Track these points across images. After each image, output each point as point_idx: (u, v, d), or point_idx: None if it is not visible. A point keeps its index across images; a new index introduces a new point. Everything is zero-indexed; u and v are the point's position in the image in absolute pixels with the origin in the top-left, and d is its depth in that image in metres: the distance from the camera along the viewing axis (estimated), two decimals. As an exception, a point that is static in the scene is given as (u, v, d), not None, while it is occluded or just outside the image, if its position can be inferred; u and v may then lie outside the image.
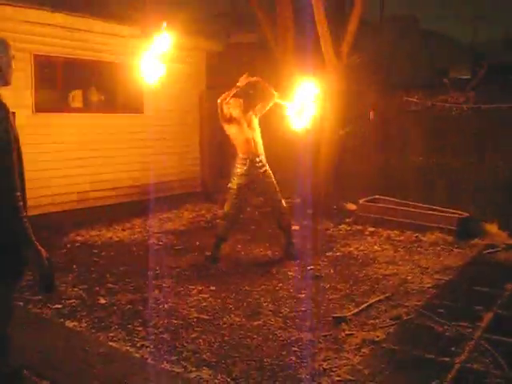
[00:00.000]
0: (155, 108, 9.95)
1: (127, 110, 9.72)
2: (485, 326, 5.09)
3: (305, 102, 6.65)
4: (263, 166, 6.95)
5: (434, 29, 18.54)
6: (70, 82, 8.94)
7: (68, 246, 7.69)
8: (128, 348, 4.59)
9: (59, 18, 8.34)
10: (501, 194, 8.72)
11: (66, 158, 8.65)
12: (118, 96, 9.61)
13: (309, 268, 6.82)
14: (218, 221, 7.04)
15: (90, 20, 8.79)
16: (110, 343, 4.69)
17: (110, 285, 6.10)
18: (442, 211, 8.69)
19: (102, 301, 5.64)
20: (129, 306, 5.50)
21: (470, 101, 9.21)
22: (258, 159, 6.90)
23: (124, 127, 9.57)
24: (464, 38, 18.69)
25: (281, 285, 6.20)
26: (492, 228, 8.60)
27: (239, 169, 6.88)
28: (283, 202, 7.07)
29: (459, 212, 8.59)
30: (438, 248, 7.83)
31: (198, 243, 7.88)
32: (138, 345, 4.64)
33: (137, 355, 4.48)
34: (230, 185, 6.95)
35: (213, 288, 6.04)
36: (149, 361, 4.39)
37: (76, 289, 5.96)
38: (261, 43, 11.89)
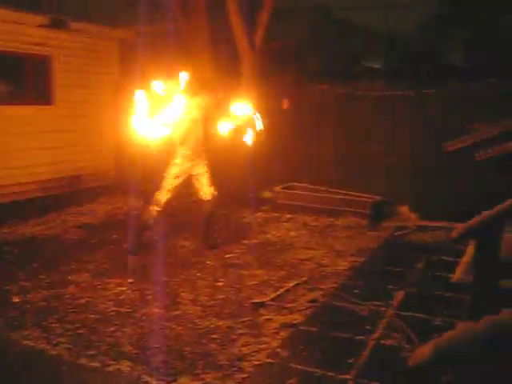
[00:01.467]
0: (67, 99, 9.68)
1: (36, 101, 9.39)
2: (397, 303, 5.30)
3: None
4: (196, 158, 6.98)
5: (346, 17, 18.80)
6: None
7: (-23, 244, 7.40)
8: (44, 346, 4.48)
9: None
10: (410, 178, 9.05)
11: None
12: (27, 87, 9.27)
13: (227, 256, 6.86)
14: (150, 207, 6.91)
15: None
16: (25, 342, 4.55)
17: (23, 283, 5.91)
18: (356, 196, 8.94)
19: (15, 299, 5.46)
20: (43, 303, 5.35)
21: (380, 88, 9.49)
22: (192, 152, 6.94)
23: (34, 119, 9.25)
24: (378, 28, 19.09)
25: (199, 274, 6.21)
26: (403, 210, 8.92)
27: (177, 159, 6.87)
28: (211, 192, 7.06)
29: (372, 196, 8.86)
30: (352, 231, 8.06)
31: (114, 236, 7.75)
32: (54, 342, 4.54)
33: (53, 352, 4.37)
34: (166, 174, 6.91)
35: (131, 280, 5.97)
36: (66, 357, 4.29)
37: (-13, 288, 5.74)
38: (176, 32, 11.75)
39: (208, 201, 7.10)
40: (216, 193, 7.11)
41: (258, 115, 6.92)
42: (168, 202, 6.97)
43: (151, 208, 6.93)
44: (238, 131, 6.90)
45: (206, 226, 7.27)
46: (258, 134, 6.93)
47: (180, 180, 6.93)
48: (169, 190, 6.87)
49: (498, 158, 8.25)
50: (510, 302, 2.30)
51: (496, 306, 2.22)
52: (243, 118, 6.87)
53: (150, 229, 7.12)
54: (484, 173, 8.34)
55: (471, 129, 8.45)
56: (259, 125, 6.91)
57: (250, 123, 6.88)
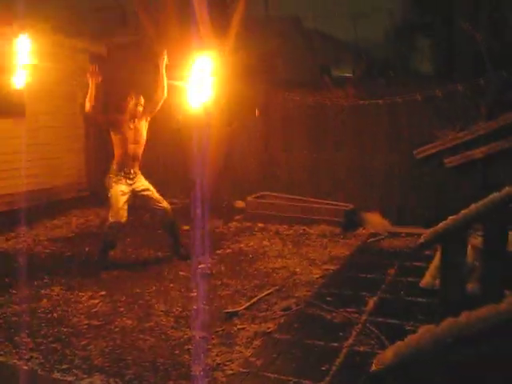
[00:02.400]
0: (38, 111, 9.62)
1: (7, 114, 9.31)
2: (370, 310, 5.37)
3: (201, 78, 6.30)
4: (136, 175, 6.88)
5: (317, 28, 19.03)
6: None
7: None
8: (15, 361, 4.44)
9: None
10: (381, 185, 9.17)
11: None
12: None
13: (200, 266, 6.86)
14: (104, 228, 6.84)
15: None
16: (-4, 357, 4.51)
17: (-6, 297, 5.85)
18: (328, 204, 9.02)
19: (-14, 314, 5.40)
20: (15, 318, 5.30)
21: (349, 97, 9.60)
22: (132, 170, 6.83)
23: (4, 132, 9.17)
24: (346, 37, 19.39)
25: (172, 285, 6.20)
26: (375, 217, 9.02)
27: (114, 178, 6.73)
28: (164, 202, 7.04)
29: (344, 204, 8.95)
30: (325, 240, 8.13)
31: (87, 249, 7.70)
32: (27, 357, 4.49)
33: (25, 367, 4.34)
34: (109, 194, 6.79)
35: (103, 293, 5.94)
36: (38, 372, 4.26)
37: (-43, 304, 5.67)
38: (144, 43, 11.74)
39: (165, 212, 7.03)
40: (167, 203, 7.04)
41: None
42: (122, 223, 6.82)
43: (107, 229, 6.80)
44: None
45: (172, 236, 7.24)
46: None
47: (127, 195, 6.78)
48: (120, 208, 6.70)
49: (467, 163, 8.40)
50: (476, 305, 2.36)
51: (462, 311, 2.28)
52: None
53: (115, 247, 7.06)
54: (453, 178, 8.49)
55: (440, 135, 8.60)
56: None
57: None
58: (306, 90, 9.94)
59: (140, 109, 6.83)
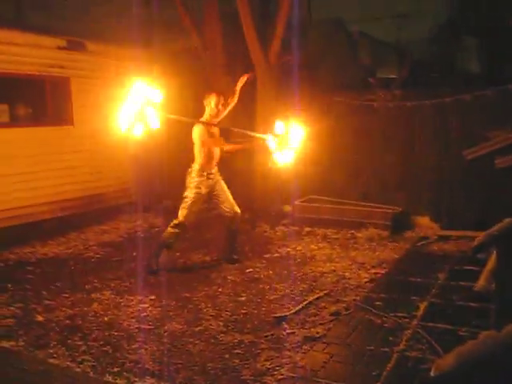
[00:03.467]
0: (86, 119, 9.79)
1: (57, 122, 9.51)
2: (420, 314, 5.26)
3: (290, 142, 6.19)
4: (216, 175, 6.97)
5: (360, 30, 18.89)
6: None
7: (1, 264, 7.47)
8: (68, 363, 4.51)
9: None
10: (429, 188, 9.01)
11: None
12: (48, 109, 9.39)
13: (247, 271, 6.86)
14: (169, 229, 6.90)
15: (12, 32, 8.58)
16: (50, 360, 4.59)
17: (46, 301, 5.96)
18: (376, 207, 8.91)
19: (40, 318, 5.50)
20: (67, 322, 5.39)
21: (395, 99, 9.48)
22: (213, 171, 6.93)
23: (54, 140, 9.36)
24: (389, 38, 19.19)
25: (220, 289, 6.22)
26: (424, 221, 8.87)
27: (196, 178, 6.80)
28: (235, 208, 7.05)
29: (392, 207, 8.82)
30: (374, 243, 8.02)
31: (135, 254, 7.79)
32: (79, 359, 4.57)
33: (78, 370, 4.40)
34: (186, 194, 6.86)
35: (153, 297, 5.99)
36: (91, 375, 4.32)
37: (12, 308, 5.78)
38: (191, 50, 11.82)
39: (230, 216, 7.08)
40: (238, 209, 7.07)
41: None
42: (192, 223, 6.99)
43: (172, 229, 6.90)
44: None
45: (228, 241, 7.27)
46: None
47: (202, 199, 6.91)
48: (192, 212, 6.84)
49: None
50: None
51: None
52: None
53: (172, 248, 7.13)
54: (504, 180, 8.27)
55: (490, 136, 8.39)
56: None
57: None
58: (351, 92, 9.85)
59: (221, 108, 6.98)
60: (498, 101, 8.47)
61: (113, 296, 6.09)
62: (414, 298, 5.71)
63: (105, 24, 12.84)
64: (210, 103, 6.88)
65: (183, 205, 6.85)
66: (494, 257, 4.72)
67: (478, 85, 8.82)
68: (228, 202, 7.01)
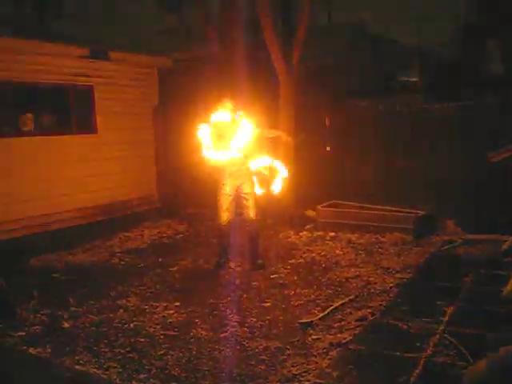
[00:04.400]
0: (109, 127, 9.87)
1: (81, 130, 9.60)
2: (447, 319, 5.20)
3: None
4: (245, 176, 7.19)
5: (380, 32, 18.77)
6: (20, 105, 8.78)
7: (28, 271, 7.55)
8: (95, 370, 4.54)
9: (3, 42, 8.19)
10: (453, 191, 8.91)
11: (22, 183, 8.48)
12: (72, 117, 9.48)
13: (272, 276, 6.86)
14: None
15: (36, 42, 8.69)
16: (77, 367, 4.62)
17: (73, 308, 6.01)
18: (400, 211, 8.84)
19: (66, 325, 5.55)
20: (93, 328, 5.43)
21: (418, 102, 9.43)
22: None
23: (79, 148, 9.45)
24: (410, 41, 19.03)
25: (245, 295, 6.22)
26: (448, 224, 8.79)
27: (222, 180, 7.11)
28: (253, 212, 7.13)
29: (416, 211, 8.75)
30: (398, 247, 7.97)
31: (160, 260, 7.83)
32: (105, 366, 4.60)
33: (104, 376, 4.43)
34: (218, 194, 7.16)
35: (177, 304, 6.01)
36: (117, 381, 4.34)
37: (38, 315, 5.84)
38: (212, 56, 11.88)
39: (253, 221, 7.13)
40: (258, 215, 7.19)
41: (278, 162, 7.14)
42: (228, 219, 7.16)
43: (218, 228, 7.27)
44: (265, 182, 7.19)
45: (252, 247, 7.30)
46: (284, 181, 7.12)
47: (230, 198, 7.08)
48: (226, 209, 7.08)
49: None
50: None
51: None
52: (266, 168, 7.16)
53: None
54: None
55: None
56: (283, 172, 7.10)
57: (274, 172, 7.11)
58: (373, 97, 9.82)
59: None
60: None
61: (138, 302, 6.12)
62: (440, 302, 5.64)
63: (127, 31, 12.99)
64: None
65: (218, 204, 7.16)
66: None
67: (502, 86, 8.72)
68: (248, 206, 7.15)
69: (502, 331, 4.58)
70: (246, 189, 7.10)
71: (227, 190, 7.05)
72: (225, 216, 7.10)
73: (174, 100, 11.03)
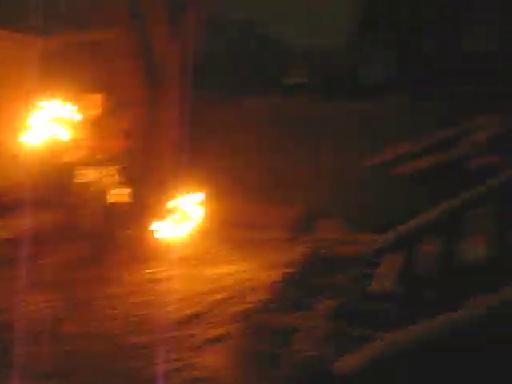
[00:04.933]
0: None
1: None
2: (321, 315, 5.32)
3: None
4: None
5: (268, 32, 18.91)
6: None
7: None
8: None
9: None
10: (335, 191, 9.13)
11: None
12: None
13: (147, 271, 6.73)
14: None
15: None
16: None
17: None
18: (281, 209, 8.91)
19: None
20: None
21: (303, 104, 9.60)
22: None
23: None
24: (301, 42, 19.30)
25: (119, 290, 6.06)
26: (329, 223, 8.92)
27: None
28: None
29: (298, 209, 8.86)
30: (278, 245, 7.97)
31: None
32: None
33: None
34: None
35: (47, 298, 5.72)
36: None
37: None
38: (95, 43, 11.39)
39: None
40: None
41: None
42: None
43: None
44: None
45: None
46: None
47: None
48: None
49: (420, 171, 8.45)
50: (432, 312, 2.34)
51: (420, 316, 2.26)
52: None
53: None
54: (406, 186, 8.51)
55: (393, 144, 8.63)
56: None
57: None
58: (258, 98, 9.86)
59: None
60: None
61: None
62: (316, 298, 5.75)
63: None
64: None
65: None
66: (387, 260, 4.82)
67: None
68: None
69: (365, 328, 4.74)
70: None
71: None
72: None
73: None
